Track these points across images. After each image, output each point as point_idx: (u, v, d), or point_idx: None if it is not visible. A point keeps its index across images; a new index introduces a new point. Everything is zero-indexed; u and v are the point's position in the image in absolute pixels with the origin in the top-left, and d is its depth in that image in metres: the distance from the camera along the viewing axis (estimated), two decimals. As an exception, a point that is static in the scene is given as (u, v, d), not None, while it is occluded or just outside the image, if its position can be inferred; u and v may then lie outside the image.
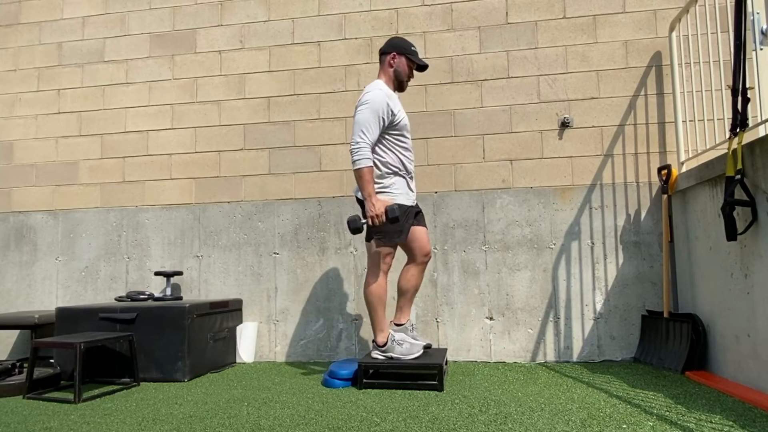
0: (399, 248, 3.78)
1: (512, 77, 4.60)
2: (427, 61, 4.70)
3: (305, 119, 4.85)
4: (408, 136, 3.73)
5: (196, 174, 4.97)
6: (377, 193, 3.55)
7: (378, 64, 3.86)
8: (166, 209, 4.97)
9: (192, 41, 5.13)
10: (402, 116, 3.65)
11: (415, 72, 3.85)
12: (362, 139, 3.46)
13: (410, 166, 3.74)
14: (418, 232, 3.75)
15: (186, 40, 5.14)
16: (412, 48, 3.73)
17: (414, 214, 3.73)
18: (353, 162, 3.47)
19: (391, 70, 3.71)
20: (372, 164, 3.49)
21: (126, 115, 5.15)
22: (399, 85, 3.78)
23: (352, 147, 3.47)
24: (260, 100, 4.94)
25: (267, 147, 4.88)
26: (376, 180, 3.58)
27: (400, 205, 3.54)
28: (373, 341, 3.72)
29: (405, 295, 3.80)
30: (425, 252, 3.77)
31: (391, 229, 3.57)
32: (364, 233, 4.01)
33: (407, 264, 3.81)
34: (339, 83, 4.84)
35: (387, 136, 3.62)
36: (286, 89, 4.91)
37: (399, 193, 3.62)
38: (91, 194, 5.12)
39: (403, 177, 3.68)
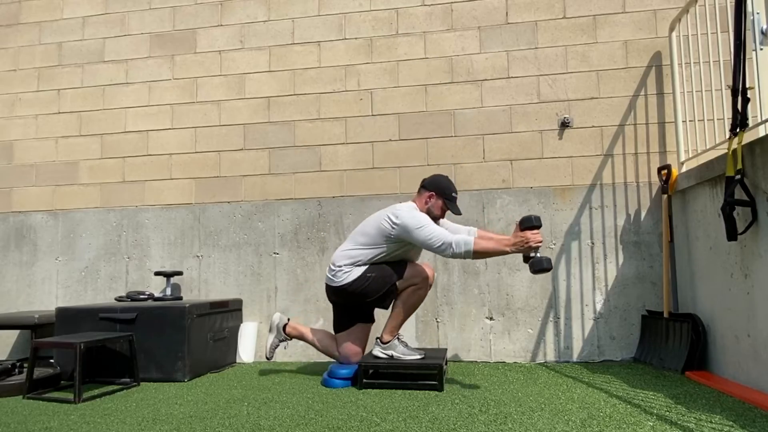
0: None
1: (512, 77, 4.60)
2: (427, 61, 4.71)
3: (305, 119, 4.84)
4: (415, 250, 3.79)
5: (196, 174, 4.96)
6: (356, 265, 3.67)
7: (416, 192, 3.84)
8: (166, 209, 4.97)
9: (192, 41, 5.12)
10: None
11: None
12: (441, 240, 3.40)
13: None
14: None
15: (186, 40, 5.13)
16: (453, 195, 3.72)
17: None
18: (464, 255, 3.35)
19: (426, 206, 3.70)
20: (472, 241, 3.34)
21: (126, 115, 5.14)
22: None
23: (447, 250, 3.37)
24: (260, 100, 4.94)
25: (267, 147, 4.88)
26: (360, 265, 3.67)
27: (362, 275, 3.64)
28: (377, 338, 3.74)
29: (398, 314, 3.71)
30: (421, 279, 3.70)
31: (382, 282, 3.64)
32: None
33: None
34: (339, 83, 4.83)
35: (397, 245, 3.64)
36: (286, 89, 4.91)
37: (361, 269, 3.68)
38: (91, 194, 5.11)
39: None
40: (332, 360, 4.50)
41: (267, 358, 3.95)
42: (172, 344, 3.94)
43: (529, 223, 3.27)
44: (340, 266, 3.70)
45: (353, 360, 3.76)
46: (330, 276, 3.75)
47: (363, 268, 3.66)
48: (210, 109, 5.01)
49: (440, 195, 3.70)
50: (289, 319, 3.99)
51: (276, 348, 3.96)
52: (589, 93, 4.49)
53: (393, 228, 3.54)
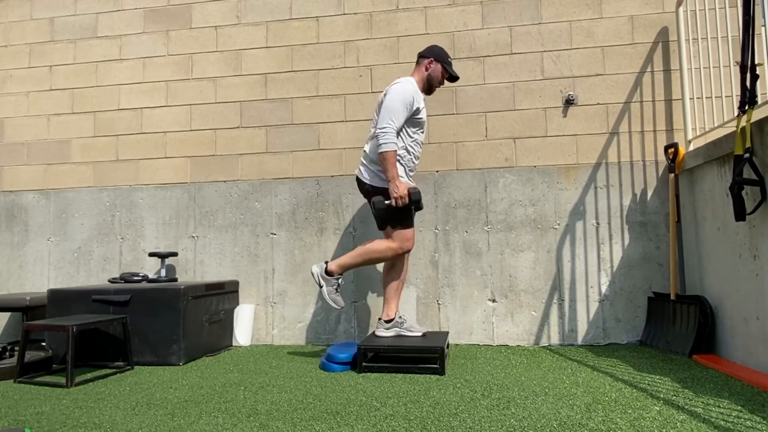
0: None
1: (515, 53, 4.51)
2: (428, 37, 4.63)
3: (303, 96, 4.76)
4: (422, 132, 3.88)
5: (191, 152, 4.88)
6: (377, 176, 3.74)
7: (414, 65, 4.09)
8: (160, 188, 4.89)
9: (187, 16, 5.02)
10: (423, 114, 3.81)
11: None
12: (389, 124, 3.62)
13: (414, 161, 3.87)
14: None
15: (181, 15, 5.03)
16: (449, 59, 3.92)
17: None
18: (380, 145, 3.61)
19: (426, 73, 3.88)
20: (396, 148, 3.63)
21: (119, 92, 5.05)
22: (428, 89, 3.94)
23: (379, 131, 3.62)
24: (257, 77, 4.84)
25: (264, 125, 4.79)
26: (378, 165, 3.74)
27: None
28: (379, 319, 3.78)
29: (391, 286, 3.84)
30: (399, 239, 3.80)
31: (402, 213, 3.70)
32: None
33: None
34: (338, 59, 4.74)
35: (404, 128, 3.75)
36: (283, 66, 4.82)
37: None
38: (83, 173, 5.03)
39: (404, 166, 3.79)
40: (331, 343, 4.47)
41: (341, 308, 3.85)
42: (167, 327, 3.88)
43: (414, 195, 3.63)
44: (374, 169, 3.77)
45: (407, 246, 3.76)
46: (361, 170, 3.85)
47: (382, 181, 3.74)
48: (206, 86, 4.91)
49: (438, 59, 3.88)
50: (326, 262, 3.86)
51: (338, 294, 3.81)
52: (594, 69, 4.40)
53: (385, 95, 3.73)
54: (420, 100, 3.77)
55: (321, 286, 3.80)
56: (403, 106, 3.65)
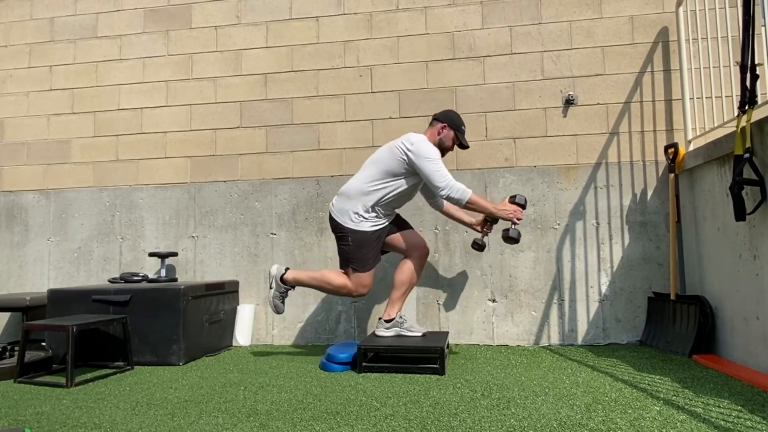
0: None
1: (515, 53, 4.51)
2: (428, 37, 4.63)
3: (303, 96, 4.75)
4: (409, 195, 3.86)
5: (191, 152, 4.88)
6: (351, 223, 3.73)
7: (427, 124, 3.97)
8: (160, 188, 4.89)
9: (187, 16, 5.02)
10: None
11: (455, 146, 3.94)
12: (445, 176, 3.57)
13: (399, 209, 3.93)
14: (395, 239, 3.86)
15: (181, 15, 5.03)
16: (462, 127, 3.87)
17: (385, 233, 3.84)
18: (458, 200, 3.58)
19: (438, 137, 3.82)
20: (470, 191, 3.59)
21: (119, 92, 5.05)
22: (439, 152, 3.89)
23: (445, 189, 3.56)
24: (257, 77, 4.84)
25: (264, 125, 4.79)
26: (365, 214, 3.73)
27: (374, 232, 3.75)
28: (380, 318, 3.78)
29: (399, 289, 3.81)
30: (415, 248, 3.84)
31: (365, 255, 3.73)
32: None
33: (404, 258, 3.84)
34: (338, 59, 4.74)
35: (405, 181, 3.72)
36: (283, 66, 4.81)
37: (368, 223, 3.76)
38: (83, 173, 5.03)
39: (380, 224, 3.79)
40: (331, 343, 4.47)
41: (279, 313, 3.91)
42: (167, 327, 3.88)
43: (520, 201, 3.72)
44: (347, 208, 3.75)
45: (362, 291, 3.75)
46: (335, 208, 3.82)
47: (365, 224, 3.73)
48: (206, 86, 4.91)
49: (452, 126, 3.83)
50: (287, 269, 3.87)
51: (281, 301, 3.84)
52: (594, 69, 4.40)
53: (408, 152, 3.64)
54: None
55: (270, 287, 3.83)
56: (436, 152, 3.64)
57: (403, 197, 3.79)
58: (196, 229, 4.81)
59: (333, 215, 3.79)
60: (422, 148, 3.61)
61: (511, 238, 3.67)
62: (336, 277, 3.77)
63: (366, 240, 3.71)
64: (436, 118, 3.86)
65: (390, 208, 3.79)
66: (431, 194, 4.05)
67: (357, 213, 3.70)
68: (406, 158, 3.63)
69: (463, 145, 3.88)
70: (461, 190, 3.55)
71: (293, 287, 3.86)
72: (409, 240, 3.83)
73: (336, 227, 3.78)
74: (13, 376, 3.48)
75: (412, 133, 3.76)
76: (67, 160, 5.07)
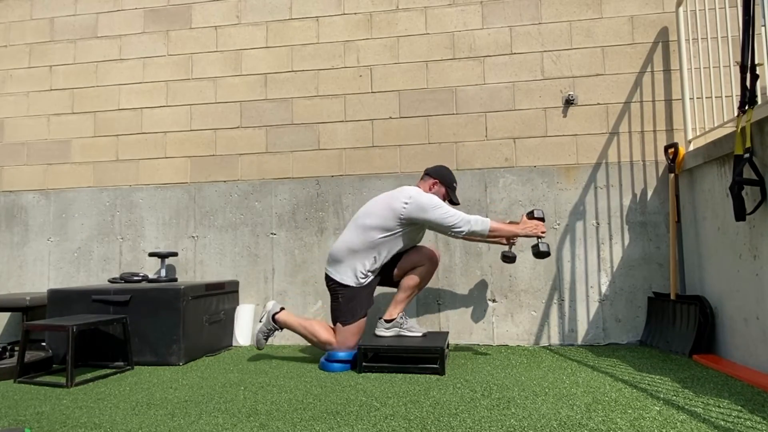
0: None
1: (515, 53, 4.51)
2: (428, 37, 4.63)
3: (303, 96, 4.75)
4: (404, 247, 3.83)
5: (191, 152, 4.88)
6: (341, 282, 3.74)
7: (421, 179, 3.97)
8: (160, 188, 4.89)
9: (187, 16, 5.02)
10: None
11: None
12: (452, 216, 3.58)
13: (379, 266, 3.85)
14: (404, 262, 3.84)
15: (181, 15, 5.03)
16: (454, 184, 3.92)
17: (376, 282, 3.87)
18: (481, 233, 3.60)
19: (429, 192, 3.84)
20: (489, 220, 3.62)
21: (120, 92, 5.05)
22: None
23: (464, 227, 3.57)
24: (257, 77, 4.84)
25: (264, 125, 4.79)
26: (352, 273, 3.73)
27: (365, 286, 3.76)
28: (380, 318, 3.79)
29: (405, 291, 3.81)
30: (428, 257, 3.83)
31: (357, 305, 3.72)
32: None
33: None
34: (338, 59, 4.73)
35: (402, 235, 3.72)
36: (283, 66, 4.81)
37: (360, 279, 3.76)
38: (83, 173, 5.03)
39: (371, 277, 3.79)
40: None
41: (259, 349, 3.96)
42: (167, 327, 3.88)
43: (539, 215, 3.75)
44: (339, 266, 3.77)
45: (346, 347, 3.72)
46: (328, 269, 3.85)
47: (357, 281, 3.73)
48: (206, 86, 4.91)
49: (443, 183, 3.86)
50: (282, 308, 3.91)
51: (265, 339, 3.87)
52: (594, 69, 4.40)
53: (405, 206, 3.62)
54: None
55: (260, 321, 3.87)
56: (437, 199, 3.66)
57: (400, 249, 3.79)
58: (196, 229, 4.81)
59: (327, 274, 3.83)
60: (422, 200, 3.62)
61: (542, 253, 3.68)
62: (323, 332, 3.77)
63: (356, 293, 3.72)
64: (428, 174, 3.90)
65: (384, 261, 3.77)
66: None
67: (350, 271, 3.73)
68: (404, 213, 3.62)
69: (453, 203, 3.91)
70: (479, 222, 3.57)
71: (281, 329, 3.88)
72: (421, 252, 3.82)
73: (329, 285, 3.83)
74: (13, 376, 3.48)
75: (407, 186, 3.80)
76: (67, 160, 5.06)
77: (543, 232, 3.70)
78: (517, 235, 3.69)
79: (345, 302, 3.71)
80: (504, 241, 3.95)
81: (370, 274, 3.73)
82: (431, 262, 3.80)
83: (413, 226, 3.69)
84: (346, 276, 3.72)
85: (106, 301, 3.96)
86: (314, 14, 4.82)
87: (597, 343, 4.22)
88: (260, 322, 3.86)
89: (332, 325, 3.81)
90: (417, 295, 4.41)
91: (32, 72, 5.23)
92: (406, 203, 3.61)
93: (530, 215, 3.76)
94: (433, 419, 2.46)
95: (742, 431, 2.20)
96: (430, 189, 3.84)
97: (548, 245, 3.70)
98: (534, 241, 3.95)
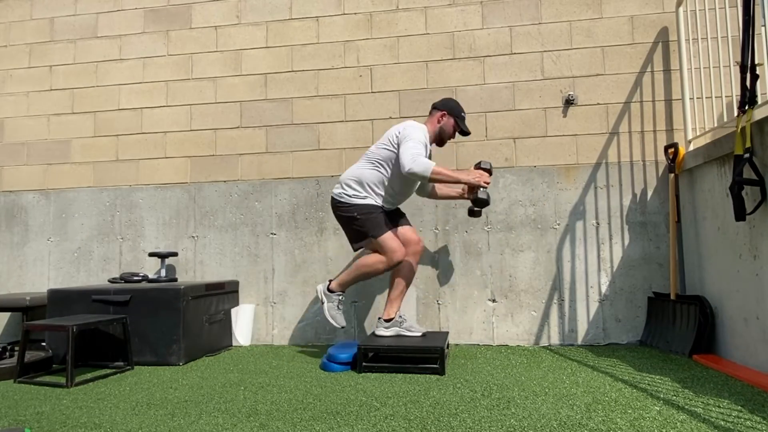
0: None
1: (515, 53, 4.51)
2: (428, 37, 4.62)
3: (303, 96, 4.75)
4: (415, 183, 3.92)
5: (191, 152, 4.88)
6: (355, 198, 3.79)
7: (427, 115, 4.06)
8: (160, 188, 4.89)
9: (187, 16, 5.02)
10: None
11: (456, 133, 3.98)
12: (411, 155, 3.57)
13: (398, 200, 3.96)
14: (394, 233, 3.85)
15: (181, 15, 5.03)
16: (462, 114, 3.91)
17: (388, 217, 3.87)
18: (422, 174, 3.58)
19: (438, 125, 3.88)
20: (432, 164, 3.59)
21: (120, 92, 5.05)
22: (439, 141, 3.98)
23: (407, 164, 3.56)
24: (257, 77, 4.84)
25: (264, 125, 4.79)
26: (358, 190, 3.80)
27: (377, 206, 3.79)
28: (379, 318, 3.79)
29: (396, 287, 3.83)
30: (408, 243, 3.87)
31: (373, 224, 3.74)
32: None
33: None
34: (338, 59, 4.73)
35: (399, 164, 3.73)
36: (283, 66, 4.81)
37: (370, 199, 3.81)
38: (83, 173, 5.03)
39: (381, 203, 3.83)
40: (331, 343, 4.47)
41: (340, 327, 3.89)
42: (167, 327, 3.88)
43: (485, 166, 3.81)
44: (347, 187, 3.83)
45: (397, 257, 3.72)
46: (335, 193, 3.89)
47: (368, 200, 3.79)
48: (206, 86, 4.91)
49: (451, 114, 3.89)
50: (330, 281, 3.90)
51: (339, 311, 3.86)
52: (594, 69, 4.40)
53: (398, 133, 3.72)
54: (428, 150, 3.81)
55: (322, 303, 3.86)
56: (423, 135, 3.69)
57: (402, 183, 3.81)
58: (196, 229, 4.81)
59: (335, 197, 3.85)
60: (410, 131, 3.68)
61: (480, 200, 3.75)
62: (368, 258, 3.78)
63: (372, 209, 3.75)
64: (435, 107, 3.92)
65: (390, 191, 3.82)
66: (421, 186, 4.13)
67: (357, 192, 3.78)
68: (396, 138, 3.72)
69: (464, 132, 3.91)
70: (423, 164, 3.55)
71: (343, 291, 3.88)
72: (402, 235, 3.85)
73: (339, 207, 3.83)
74: (13, 376, 3.48)
75: (411, 120, 3.83)
76: (67, 160, 5.06)
77: (486, 182, 3.74)
78: (460, 181, 3.72)
79: (365, 218, 3.75)
80: (467, 196, 3.95)
81: (366, 194, 3.78)
82: (414, 249, 3.86)
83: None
84: (357, 193, 3.78)
85: (106, 301, 3.96)
86: (314, 14, 4.81)
87: (597, 343, 4.22)
88: (323, 304, 3.84)
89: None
90: (417, 295, 4.41)
91: (32, 72, 5.23)
92: (399, 132, 3.71)
93: (477, 165, 3.82)
94: (433, 419, 2.46)
95: (742, 431, 2.20)
96: (438, 122, 3.87)
97: (488, 194, 3.76)
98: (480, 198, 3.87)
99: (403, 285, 3.82)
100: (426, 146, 3.71)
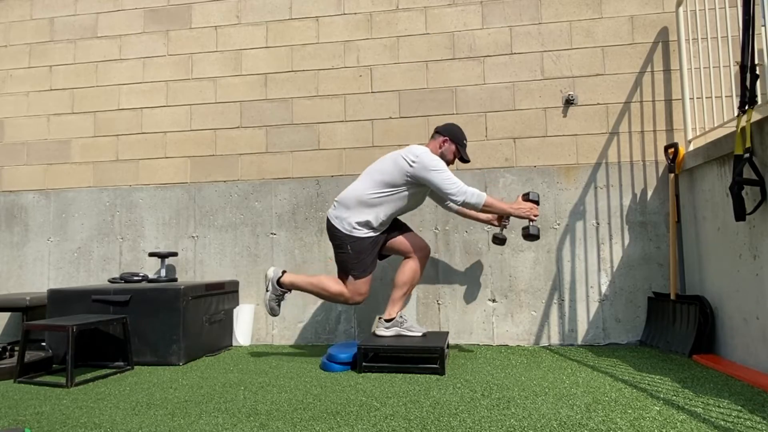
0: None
1: (515, 53, 4.50)
2: (428, 37, 4.62)
3: (303, 96, 4.75)
4: (407, 206, 3.83)
5: (191, 152, 4.88)
6: (355, 231, 3.73)
7: (430, 137, 3.98)
8: (160, 188, 4.88)
9: (187, 16, 5.01)
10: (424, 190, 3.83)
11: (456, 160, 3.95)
12: (454, 183, 3.58)
13: (383, 226, 3.84)
14: (397, 242, 3.86)
15: (181, 15, 5.02)
16: (464, 141, 3.89)
17: (382, 239, 3.85)
18: (475, 205, 3.59)
19: (440, 150, 3.83)
20: (485, 194, 3.61)
21: (119, 92, 5.05)
22: None
23: (459, 196, 3.56)
24: (257, 77, 4.84)
25: (264, 125, 4.79)
26: (364, 224, 3.73)
27: (372, 239, 3.76)
28: (379, 318, 3.80)
29: (401, 288, 3.82)
30: (419, 248, 3.85)
31: (361, 260, 3.73)
32: None
33: (405, 258, 3.85)
34: (338, 59, 4.73)
35: (407, 192, 3.73)
36: (283, 66, 4.81)
37: (365, 230, 3.76)
38: (83, 173, 5.02)
39: (379, 232, 3.81)
40: (331, 343, 4.47)
41: (274, 316, 3.92)
42: (167, 327, 3.88)
43: (534, 198, 3.77)
44: (345, 216, 3.76)
45: (357, 299, 3.75)
46: (333, 215, 3.83)
47: (362, 232, 3.73)
48: (206, 86, 4.91)
49: (454, 140, 3.85)
50: (284, 272, 3.87)
51: (277, 304, 3.85)
52: (594, 69, 4.40)
53: (411, 165, 3.63)
54: None
55: (267, 290, 3.83)
56: (442, 162, 3.65)
57: (404, 208, 3.79)
58: (196, 229, 4.81)
59: (331, 222, 3.79)
60: (427, 160, 3.62)
61: (531, 236, 3.71)
62: (333, 284, 3.77)
63: (364, 247, 3.72)
64: (438, 132, 3.88)
65: (392, 216, 3.79)
66: (441, 198, 4.06)
67: (357, 222, 3.71)
68: (410, 171, 3.62)
69: (464, 160, 3.89)
70: (476, 194, 3.55)
71: (290, 290, 3.86)
72: (412, 242, 3.83)
73: (334, 235, 3.79)
74: (13, 376, 3.48)
75: (415, 145, 3.76)
76: (67, 160, 5.06)
77: (536, 215, 3.72)
78: (510, 215, 3.71)
79: (355, 255, 3.71)
80: (496, 223, 3.98)
81: (363, 227, 3.73)
82: (422, 253, 3.83)
83: (418, 188, 3.71)
84: (345, 225, 3.74)
85: (106, 301, 3.96)
86: (314, 14, 4.81)
87: (597, 343, 4.22)
88: (267, 291, 3.82)
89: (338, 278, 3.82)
90: (417, 295, 4.41)
91: (32, 72, 5.23)
92: (414, 162, 3.62)
93: (525, 197, 3.78)
94: (433, 419, 2.46)
95: (742, 431, 2.20)
96: (440, 147, 3.82)
97: (539, 228, 3.74)
98: (525, 223, 3.94)
99: (408, 287, 3.81)
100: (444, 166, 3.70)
